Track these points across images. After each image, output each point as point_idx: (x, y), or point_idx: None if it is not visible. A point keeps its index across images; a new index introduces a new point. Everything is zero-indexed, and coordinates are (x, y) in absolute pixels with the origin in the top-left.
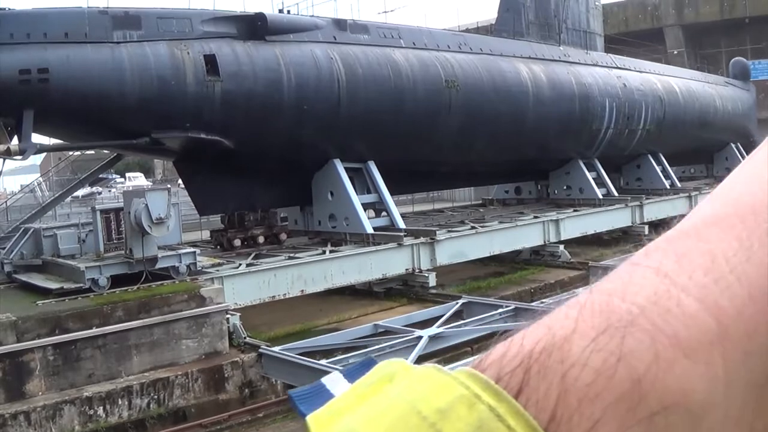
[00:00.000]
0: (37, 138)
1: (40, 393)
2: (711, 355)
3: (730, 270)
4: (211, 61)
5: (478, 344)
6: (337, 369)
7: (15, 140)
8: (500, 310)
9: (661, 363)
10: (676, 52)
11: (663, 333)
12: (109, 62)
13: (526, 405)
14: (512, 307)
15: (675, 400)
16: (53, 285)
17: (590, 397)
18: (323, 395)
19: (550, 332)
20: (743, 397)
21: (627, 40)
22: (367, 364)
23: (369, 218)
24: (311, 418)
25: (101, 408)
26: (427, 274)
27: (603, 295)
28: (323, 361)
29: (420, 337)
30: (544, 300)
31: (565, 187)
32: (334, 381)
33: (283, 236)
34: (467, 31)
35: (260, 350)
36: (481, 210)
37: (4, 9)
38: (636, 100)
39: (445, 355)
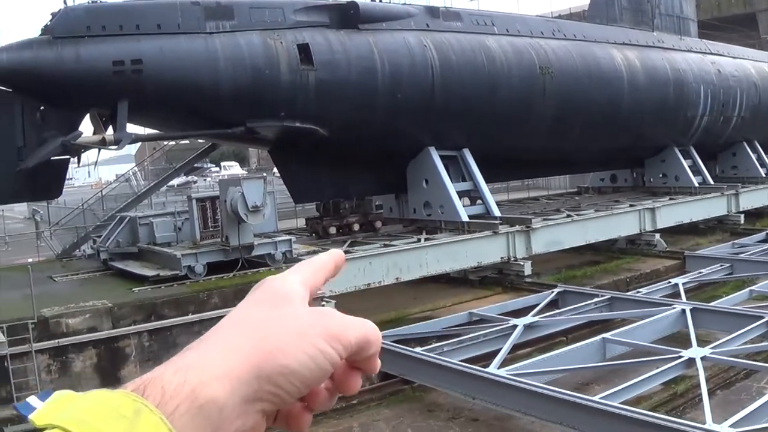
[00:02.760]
0: (131, 128)
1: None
2: (224, 381)
3: (232, 349)
4: (304, 50)
5: (573, 334)
6: (33, 394)
7: (110, 130)
8: (596, 300)
9: (205, 384)
10: None
11: (208, 372)
12: (202, 52)
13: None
14: (608, 296)
15: (211, 399)
16: (149, 272)
17: (175, 399)
18: (29, 408)
19: (164, 383)
20: (240, 403)
21: (720, 26)
22: (48, 392)
23: (464, 206)
24: (34, 415)
25: None
26: (522, 263)
27: (180, 359)
28: (418, 349)
29: (515, 326)
30: (639, 289)
31: (660, 175)
32: (34, 400)
33: (378, 224)
34: (560, 17)
35: None
36: (577, 198)
37: (96, 2)
38: (731, 86)
39: (540, 344)
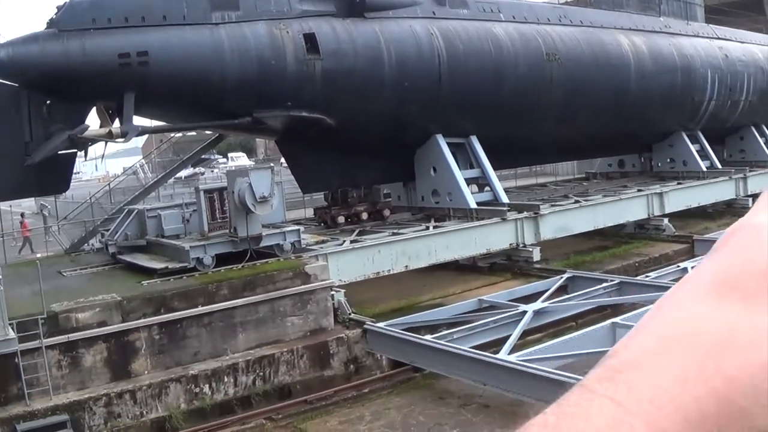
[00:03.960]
0: (138, 120)
1: (146, 372)
2: None
3: (670, 399)
4: (310, 39)
5: (583, 319)
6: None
7: (117, 123)
8: (605, 285)
9: None
10: None
11: None
12: (208, 44)
13: None
14: (617, 281)
15: None
16: (158, 265)
17: None
18: None
19: None
20: None
21: (727, 11)
22: None
23: (472, 193)
24: None
25: (207, 386)
26: (531, 249)
27: (573, 420)
28: (428, 337)
29: (524, 312)
30: (648, 274)
31: (668, 160)
32: None
33: (387, 212)
34: (567, 3)
35: (365, 326)
36: (585, 183)
37: None
38: (738, 71)
39: (549, 330)
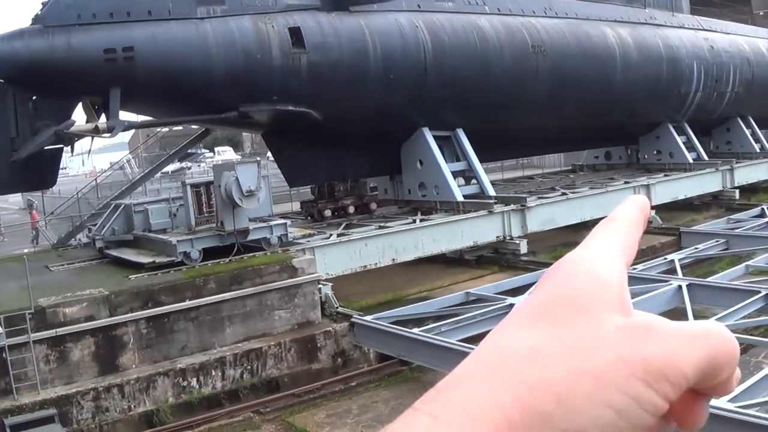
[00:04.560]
0: (124, 115)
1: (134, 366)
2: None
3: (480, 410)
4: (296, 33)
5: None
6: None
7: (103, 118)
8: None
9: None
10: (762, 13)
11: None
12: (194, 38)
13: None
14: None
15: None
16: (145, 259)
17: None
18: None
19: None
20: None
21: (712, 2)
22: None
23: (459, 186)
24: None
25: (195, 379)
26: (518, 241)
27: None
28: (415, 330)
29: (512, 305)
30: (635, 266)
31: (655, 152)
32: None
33: (373, 206)
34: None
35: (352, 320)
36: (571, 176)
37: None
38: (724, 62)
39: None
